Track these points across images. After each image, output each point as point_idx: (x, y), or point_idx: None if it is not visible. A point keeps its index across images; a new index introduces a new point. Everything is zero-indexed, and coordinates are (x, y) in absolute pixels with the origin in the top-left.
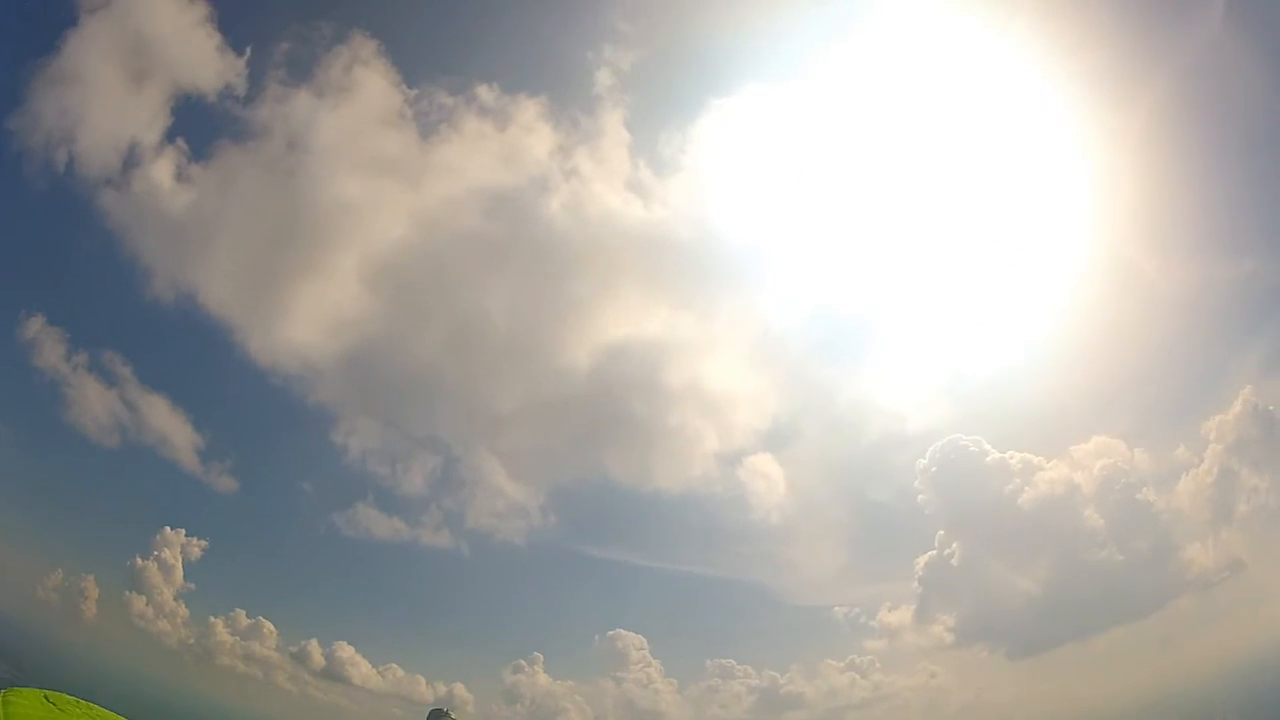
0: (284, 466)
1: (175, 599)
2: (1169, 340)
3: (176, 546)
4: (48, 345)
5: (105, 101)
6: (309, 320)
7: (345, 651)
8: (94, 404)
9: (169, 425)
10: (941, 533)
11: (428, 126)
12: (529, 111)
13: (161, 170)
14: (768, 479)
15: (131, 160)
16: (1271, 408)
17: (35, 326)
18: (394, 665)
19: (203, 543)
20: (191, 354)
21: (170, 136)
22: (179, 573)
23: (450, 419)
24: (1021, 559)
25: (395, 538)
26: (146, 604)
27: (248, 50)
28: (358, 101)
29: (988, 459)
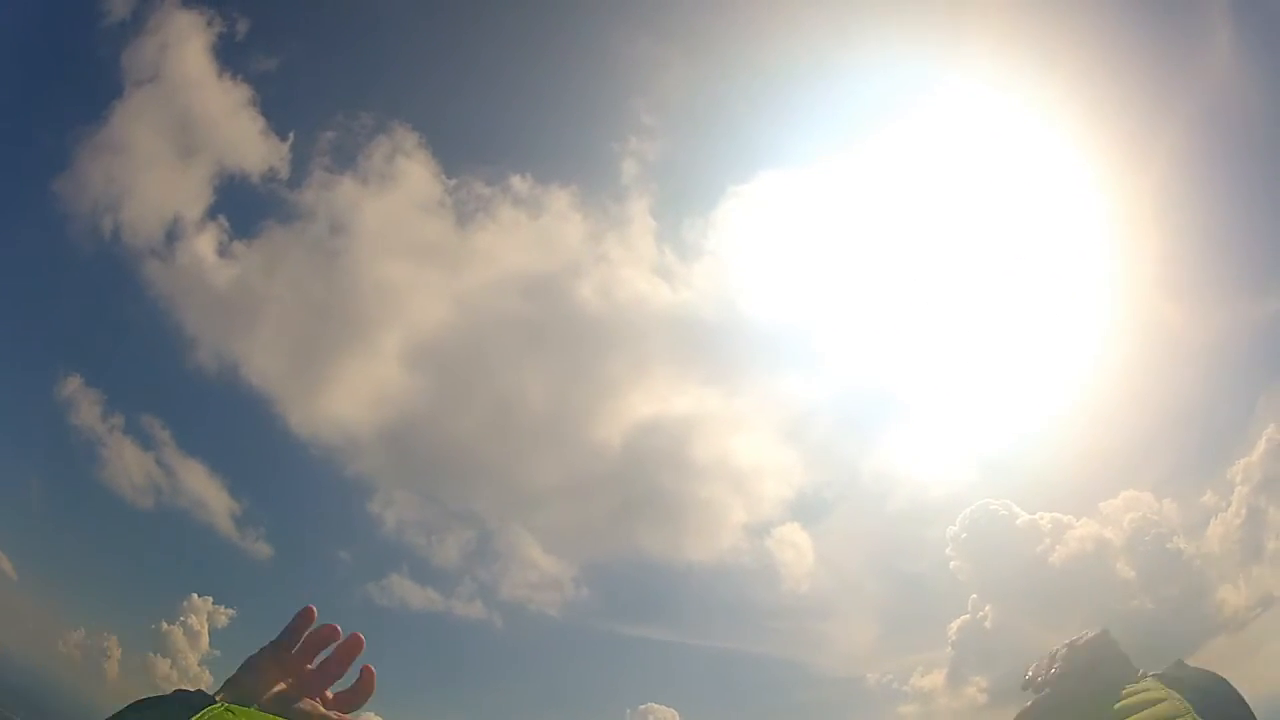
0: (320, 535)
1: (200, 664)
2: (1195, 387)
3: (204, 613)
4: (84, 405)
5: (151, 174)
6: (350, 395)
7: None
8: (130, 465)
9: (206, 490)
10: (974, 597)
11: (465, 215)
12: (561, 200)
13: (205, 245)
14: (796, 548)
15: (175, 233)
16: None
17: (73, 385)
18: None
19: (230, 611)
20: (232, 423)
21: (213, 213)
22: (204, 639)
23: (486, 494)
24: (1055, 616)
25: (429, 608)
26: (171, 667)
27: (291, 136)
28: (400, 189)
29: (1018, 521)
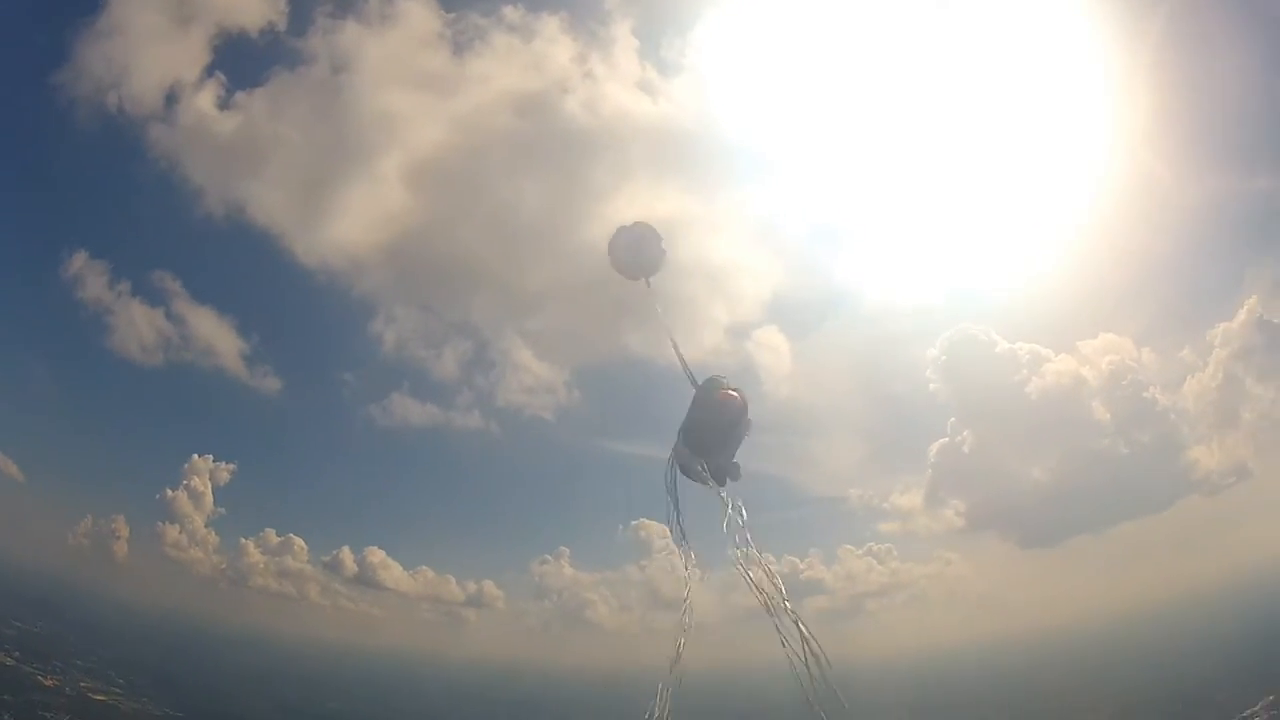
0: (326, 361)
1: (206, 526)
2: (1179, 247)
3: (205, 473)
4: (90, 279)
5: (150, 47)
6: (354, 219)
7: (377, 556)
8: (139, 325)
9: (216, 334)
10: (953, 420)
11: (462, 44)
12: (550, 26)
13: (204, 101)
14: (775, 351)
15: (175, 96)
16: (1277, 320)
17: (79, 262)
18: (425, 567)
19: (231, 466)
20: (240, 263)
21: (211, 71)
22: (209, 499)
23: (482, 303)
24: (1030, 447)
25: (429, 422)
26: (180, 532)
27: None
28: (401, 27)
29: (997, 349)
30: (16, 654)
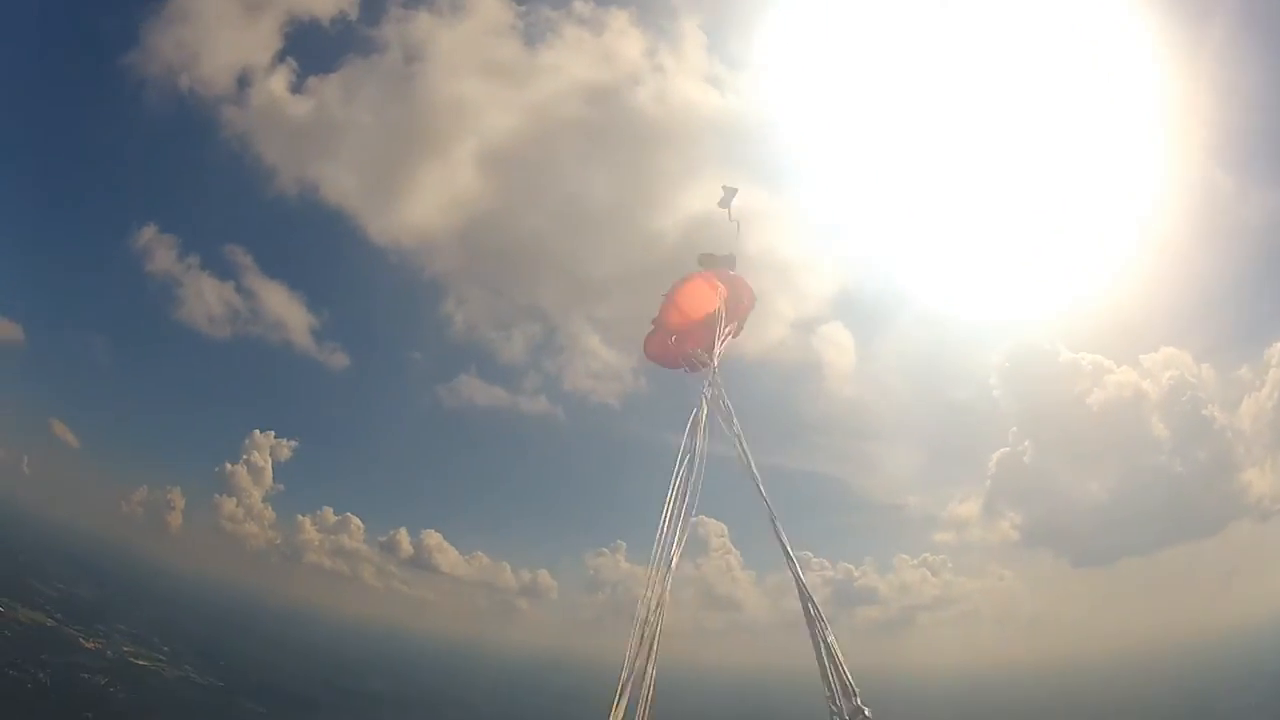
0: (395, 338)
1: (263, 501)
2: (1241, 262)
3: (266, 449)
4: (159, 252)
5: (220, 32)
6: (427, 202)
7: (433, 539)
8: (208, 298)
9: (286, 309)
10: (1014, 429)
11: (534, 36)
12: (620, 20)
13: (277, 85)
14: (839, 347)
15: (246, 80)
16: None
17: (147, 236)
18: (480, 553)
19: (292, 443)
20: (312, 241)
21: (282, 56)
22: (268, 475)
23: (552, 287)
24: (1089, 461)
25: (495, 405)
26: (236, 505)
27: None
28: (473, 17)
29: (1060, 358)
30: (59, 615)
